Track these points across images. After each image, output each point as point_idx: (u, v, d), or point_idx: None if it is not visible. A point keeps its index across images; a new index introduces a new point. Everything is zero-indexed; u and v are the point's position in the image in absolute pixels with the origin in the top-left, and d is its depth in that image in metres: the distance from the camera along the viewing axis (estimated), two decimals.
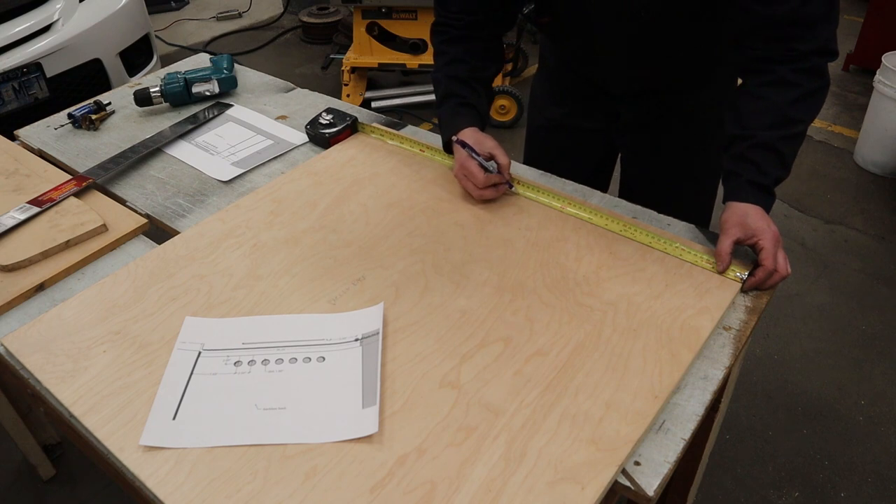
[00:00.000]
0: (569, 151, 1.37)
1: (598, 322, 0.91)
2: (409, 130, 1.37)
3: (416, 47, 3.09)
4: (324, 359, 0.87)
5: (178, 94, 1.48)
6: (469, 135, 1.13)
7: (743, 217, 0.97)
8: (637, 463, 0.76)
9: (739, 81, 1.08)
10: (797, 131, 0.99)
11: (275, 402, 0.82)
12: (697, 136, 1.28)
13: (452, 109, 1.17)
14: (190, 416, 0.80)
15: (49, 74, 2.27)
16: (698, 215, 1.30)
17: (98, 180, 1.25)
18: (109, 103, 1.50)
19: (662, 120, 1.26)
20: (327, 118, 1.34)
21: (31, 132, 1.44)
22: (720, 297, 0.94)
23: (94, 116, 1.44)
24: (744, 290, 0.96)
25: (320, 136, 1.32)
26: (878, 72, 2.71)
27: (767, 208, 0.98)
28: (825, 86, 1.00)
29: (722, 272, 0.98)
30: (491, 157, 1.11)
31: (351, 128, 1.33)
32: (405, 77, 3.52)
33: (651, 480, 0.74)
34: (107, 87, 2.47)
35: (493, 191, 1.11)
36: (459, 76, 1.18)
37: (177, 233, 1.13)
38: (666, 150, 1.30)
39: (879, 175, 2.82)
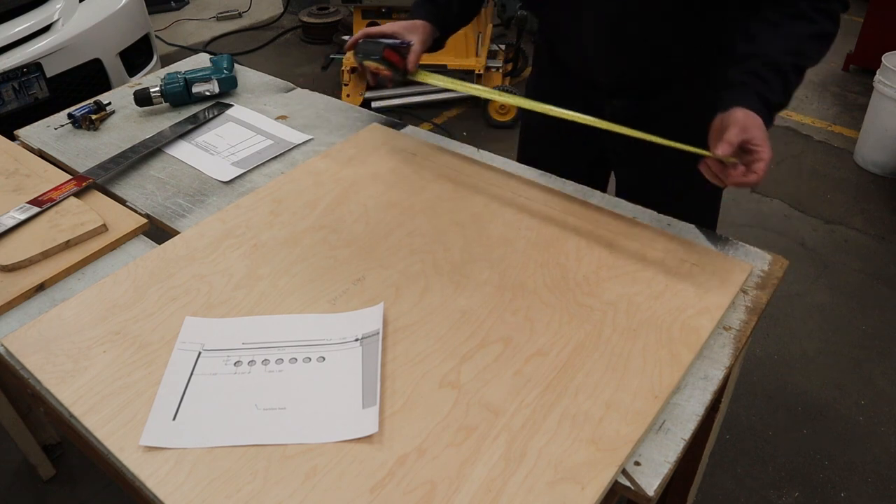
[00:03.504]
0: (561, 151, 1.36)
1: (598, 322, 0.91)
2: (410, 130, 1.37)
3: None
4: (324, 359, 0.87)
5: (178, 94, 1.48)
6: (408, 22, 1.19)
7: (755, 124, 0.96)
8: (637, 463, 0.76)
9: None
10: (804, 66, 1.00)
11: (275, 402, 0.82)
12: (692, 137, 1.27)
13: (418, 3, 1.24)
14: (190, 417, 0.80)
15: (49, 74, 2.27)
16: (700, 220, 1.29)
17: (98, 180, 1.25)
18: (109, 103, 1.50)
19: (652, 118, 1.25)
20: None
21: (31, 132, 1.44)
22: (720, 297, 0.94)
23: (94, 116, 1.44)
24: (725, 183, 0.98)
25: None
26: (878, 72, 2.71)
27: (768, 127, 0.99)
28: (835, 34, 1.01)
29: (716, 154, 0.96)
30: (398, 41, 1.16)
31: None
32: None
33: (651, 480, 0.74)
34: (107, 87, 2.47)
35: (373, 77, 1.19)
36: None
37: (177, 233, 1.13)
38: (658, 151, 1.29)
39: (879, 175, 2.82)
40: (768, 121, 0.98)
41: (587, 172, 1.34)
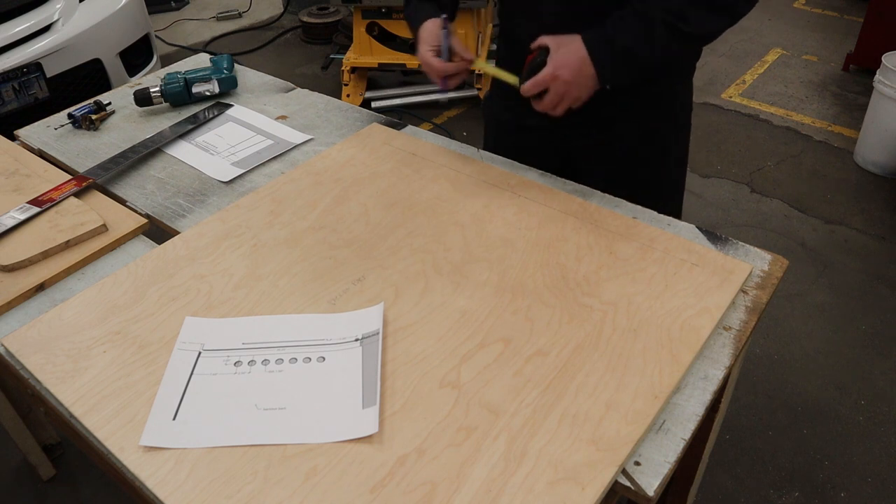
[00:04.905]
0: (523, 152, 1.34)
1: (598, 322, 0.91)
2: (409, 130, 1.37)
3: (415, 47, 3.08)
4: (324, 359, 0.87)
5: (178, 94, 1.48)
6: (427, 27, 1.17)
7: (567, 65, 1.02)
8: (637, 463, 0.76)
9: None
10: (682, 30, 1.00)
11: (275, 402, 0.82)
12: (647, 119, 1.25)
13: (415, 6, 1.23)
14: (190, 417, 0.80)
15: (49, 74, 2.27)
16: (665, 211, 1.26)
17: (98, 180, 1.25)
18: (109, 103, 1.50)
19: (602, 109, 1.24)
20: None
21: (31, 132, 1.44)
22: (720, 297, 0.94)
23: (94, 116, 1.44)
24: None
25: None
26: (878, 72, 2.71)
27: (600, 63, 1.02)
28: (729, 7, 1.02)
29: (522, 89, 1.06)
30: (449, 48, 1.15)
31: None
32: (405, 77, 3.53)
33: (651, 480, 0.74)
34: (107, 87, 2.47)
35: (456, 79, 1.18)
36: None
37: (177, 233, 1.13)
38: (621, 146, 1.28)
39: (879, 175, 2.82)
40: (608, 63, 1.02)
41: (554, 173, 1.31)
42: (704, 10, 1.01)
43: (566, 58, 1.04)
